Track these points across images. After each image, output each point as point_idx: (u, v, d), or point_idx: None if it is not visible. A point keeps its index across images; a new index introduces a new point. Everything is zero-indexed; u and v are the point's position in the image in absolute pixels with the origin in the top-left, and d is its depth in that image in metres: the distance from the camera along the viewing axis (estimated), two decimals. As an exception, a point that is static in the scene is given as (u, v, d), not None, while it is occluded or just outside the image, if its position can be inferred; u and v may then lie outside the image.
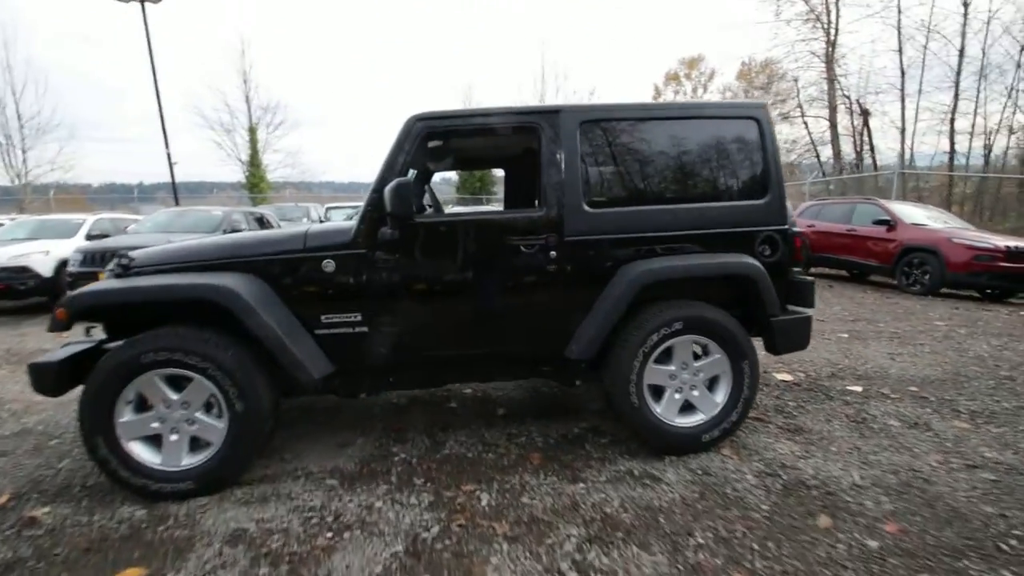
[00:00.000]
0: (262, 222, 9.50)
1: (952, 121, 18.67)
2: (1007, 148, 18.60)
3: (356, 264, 2.39)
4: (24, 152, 22.44)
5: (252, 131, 25.15)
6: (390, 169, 2.41)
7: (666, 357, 2.52)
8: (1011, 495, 2.19)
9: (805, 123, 22.88)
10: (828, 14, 20.56)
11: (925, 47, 18.90)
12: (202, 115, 26.51)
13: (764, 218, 2.62)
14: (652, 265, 2.45)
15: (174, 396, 2.21)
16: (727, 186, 2.65)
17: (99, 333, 2.56)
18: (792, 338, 2.67)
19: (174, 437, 2.23)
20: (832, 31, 20.60)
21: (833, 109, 21.24)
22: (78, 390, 2.22)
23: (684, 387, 2.54)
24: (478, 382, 3.55)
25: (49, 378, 2.23)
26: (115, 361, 2.14)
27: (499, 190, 25.70)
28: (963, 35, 18.00)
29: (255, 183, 24.71)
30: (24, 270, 6.99)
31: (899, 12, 19.03)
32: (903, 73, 19.45)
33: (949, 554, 1.81)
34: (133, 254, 2.48)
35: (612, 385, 2.47)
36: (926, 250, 7.67)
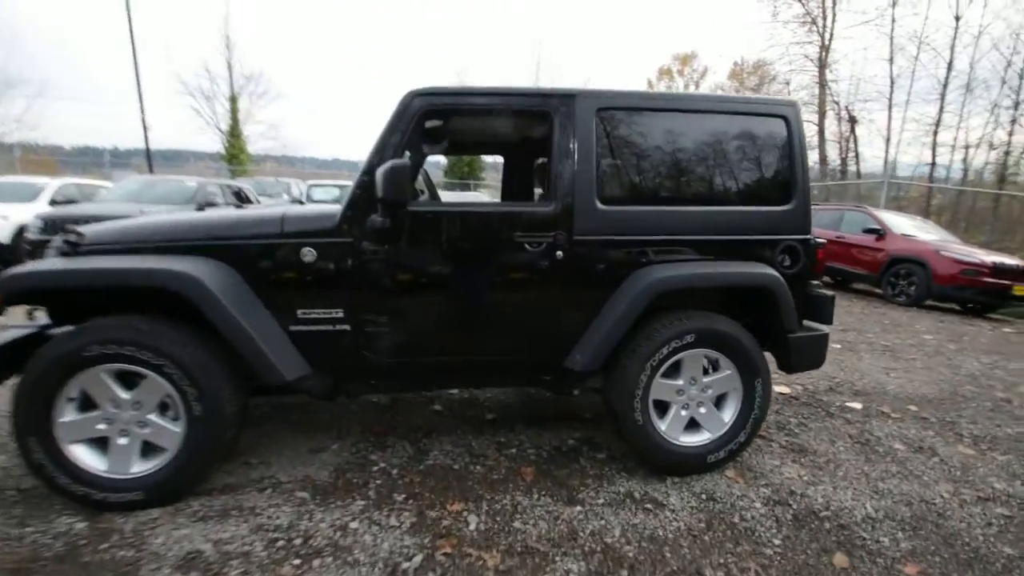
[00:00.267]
0: (240, 196, 9.05)
1: (935, 133, 18.93)
2: (985, 163, 18.97)
3: (340, 254, 2.13)
4: (-15, 106, 21.25)
5: (233, 100, 24.14)
6: (383, 149, 2.14)
7: (674, 371, 2.32)
8: (1030, 535, 2.08)
9: (794, 127, 22.93)
10: (824, 18, 20.61)
11: (916, 58, 19.07)
12: (181, 80, 25.34)
13: (787, 226, 2.42)
14: (669, 272, 2.23)
15: (124, 395, 1.93)
16: (749, 189, 2.43)
17: (44, 317, 2.26)
18: (808, 357, 2.50)
19: (123, 441, 1.96)
20: (827, 35, 20.66)
21: (822, 115, 21.33)
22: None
23: (691, 404, 2.36)
24: (469, 388, 3.33)
25: None
26: (55, 352, 1.86)
27: (487, 176, 25.22)
28: (952, 48, 18.20)
29: (235, 155, 23.75)
30: (-25, 234, 6.52)
31: (893, 21, 19.16)
32: (892, 82, 19.64)
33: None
34: (83, 229, 2.17)
35: (616, 400, 2.26)
36: (914, 261, 7.67)
